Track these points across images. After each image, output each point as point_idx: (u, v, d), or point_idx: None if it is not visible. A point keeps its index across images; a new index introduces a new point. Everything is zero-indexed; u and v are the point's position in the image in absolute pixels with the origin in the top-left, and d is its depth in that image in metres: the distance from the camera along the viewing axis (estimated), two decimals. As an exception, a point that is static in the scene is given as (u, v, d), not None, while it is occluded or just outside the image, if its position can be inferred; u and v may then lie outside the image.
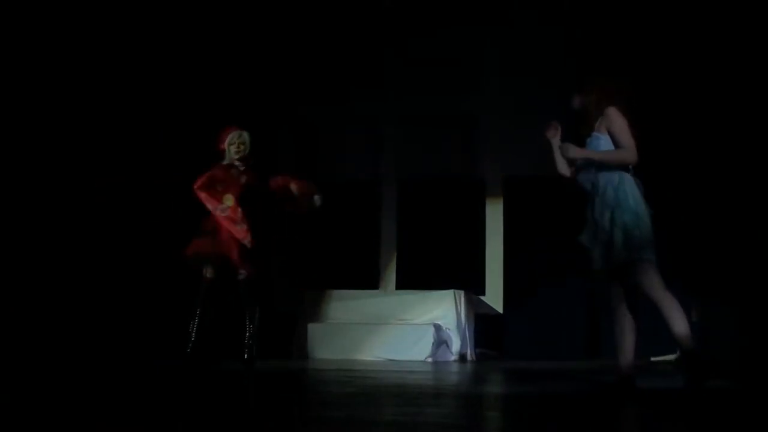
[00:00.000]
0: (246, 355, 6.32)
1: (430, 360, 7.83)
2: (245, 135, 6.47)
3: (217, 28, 8.57)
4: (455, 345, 7.97)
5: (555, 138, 4.75)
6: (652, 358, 7.58)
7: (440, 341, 7.94)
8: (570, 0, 8.69)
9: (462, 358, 7.99)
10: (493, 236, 9.18)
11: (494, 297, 9.05)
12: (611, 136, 4.50)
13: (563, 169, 4.75)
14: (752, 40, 8.03)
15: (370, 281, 9.24)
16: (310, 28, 9.33)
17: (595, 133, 4.56)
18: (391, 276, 9.39)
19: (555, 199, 8.64)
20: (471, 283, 8.83)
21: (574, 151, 4.58)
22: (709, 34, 8.22)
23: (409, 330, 8.04)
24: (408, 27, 9.40)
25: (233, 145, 6.42)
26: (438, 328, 7.98)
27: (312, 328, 8.25)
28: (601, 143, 4.52)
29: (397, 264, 9.43)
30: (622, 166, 4.47)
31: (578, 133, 4.68)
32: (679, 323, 4.29)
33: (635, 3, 8.53)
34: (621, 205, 4.40)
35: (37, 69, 6.79)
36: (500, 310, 8.98)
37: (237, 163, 6.43)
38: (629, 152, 4.46)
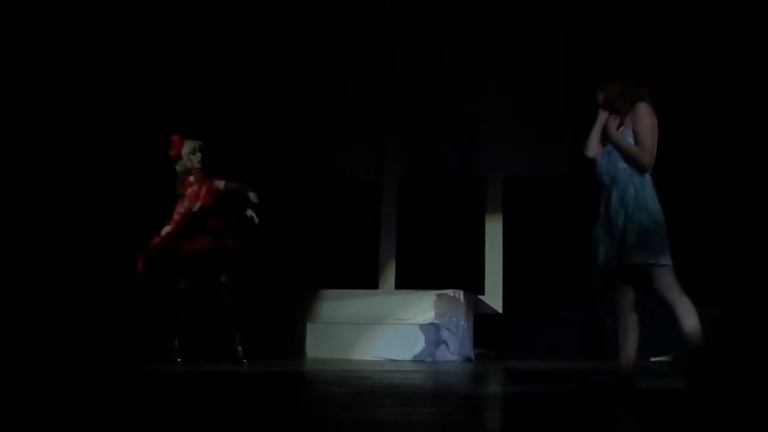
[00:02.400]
0: (243, 358, 6.32)
1: (428, 360, 7.79)
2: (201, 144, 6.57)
3: (222, 28, 8.54)
4: (454, 345, 7.93)
5: (604, 114, 4.54)
6: (652, 359, 7.53)
7: (439, 341, 7.89)
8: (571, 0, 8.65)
9: (461, 358, 7.94)
10: (492, 236, 9.13)
11: (493, 297, 9.00)
12: (634, 134, 4.39)
13: (592, 150, 4.54)
14: (754, 37, 7.99)
15: (369, 281, 9.20)
16: (312, 28, 9.31)
17: (623, 128, 4.45)
18: (390, 276, 9.36)
19: (555, 200, 8.64)
20: (470, 283, 8.78)
21: (614, 128, 4.47)
22: (709, 30, 8.18)
23: (407, 330, 8.00)
24: (410, 27, 9.37)
25: (195, 155, 6.47)
26: (437, 327, 7.93)
27: (310, 327, 8.21)
28: (628, 140, 4.42)
29: (396, 264, 9.39)
30: (635, 165, 4.39)
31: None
32: (691, 321, 4.23)
33: (636, 2, 8.48)
34: (640, 205, 4.31)
35: (37, 70, 6.74)
36: (499, 310, 8.95)
37: (195, 172, 6.45)
38: (645, 155, 4.35)
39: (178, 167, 6.50)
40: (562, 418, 3.65)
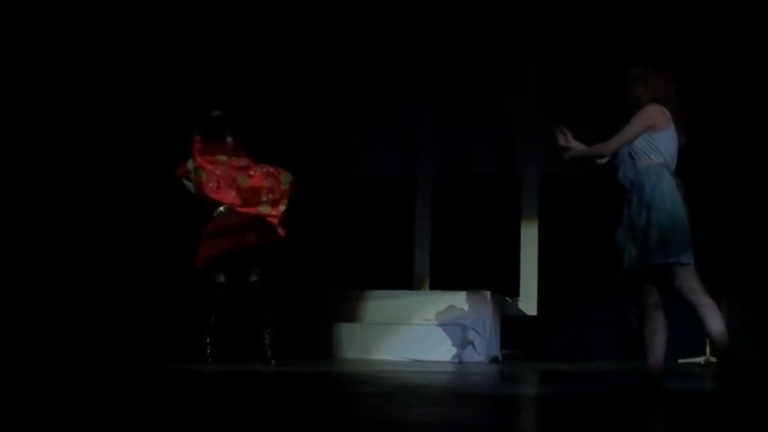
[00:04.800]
0: (271, 357, 6.36)
1: (455, 361, 7.80)
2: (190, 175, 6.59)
3: (251, 26, 8.57)
4: (481, 346, 7.93)
5: (568, 143, 4.69)
6: (680, 360, 7.50)
7: (466, 342, 7.90)
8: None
9: (487, 359, 7.95)
10: (528, 237, 9.07)
11: (529, 298, 8.96)
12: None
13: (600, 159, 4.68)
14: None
15: (404, 281, 9.19)
16: (346, 25, 9.30)
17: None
18: (425, 276, 9.33)
19: (591, 199, 8.55)
20: (505, 284, 8.75)
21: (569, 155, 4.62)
22: (745, 25, 8.07)
23: (434, 330, 8.01)
24: (445, 25, 9.31)
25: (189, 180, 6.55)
26: (464, 328, 7.94)
27: (337, 327, 8.25)
28: (638, 142, 4.44)
29: (431, 264, 9.36)
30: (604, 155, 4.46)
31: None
32: (716, 324, 4.22)
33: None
34: (657, 205, 4.30)
35: (38, 69, 6.81)
36: (534, 311, 8.89)
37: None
38: (609, 143, 4.45)
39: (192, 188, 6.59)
40: (590, 419, 3.66)
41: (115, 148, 7.25)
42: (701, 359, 7.41)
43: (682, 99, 4.52)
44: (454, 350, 7.87)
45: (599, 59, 8.74)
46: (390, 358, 7.89)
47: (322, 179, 9.67)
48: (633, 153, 4.43)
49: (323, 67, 9.53)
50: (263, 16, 8.61)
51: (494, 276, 8.81)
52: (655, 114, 4.40)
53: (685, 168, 4.53)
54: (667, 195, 4.32)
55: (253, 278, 6.39)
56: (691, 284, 4.25)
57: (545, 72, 9.21)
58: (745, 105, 8.07)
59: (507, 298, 8.83)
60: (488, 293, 8.21)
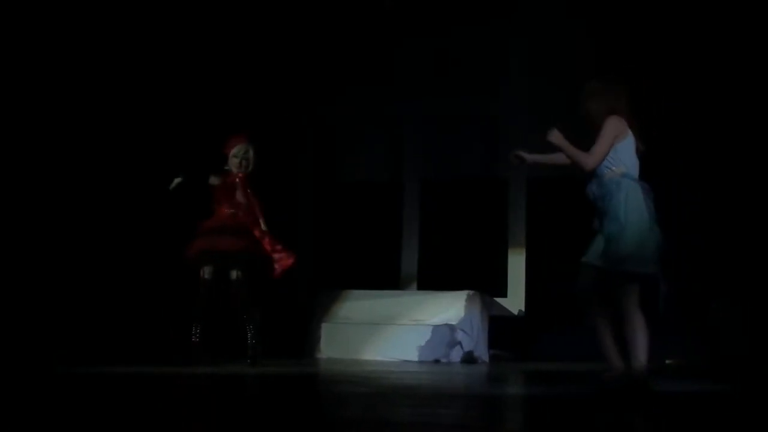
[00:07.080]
0: (249, 358, 6.36)
1: (443, 361, 7.84)
2: (251, 152, 6.59)
3: (237, 28, 8.57)
4: (468, 346, 7.97)
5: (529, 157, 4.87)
6: (667, 361, 7.55)
7: (454, 342, 7.93)
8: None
9: (476, 359, 7.98)
10: (515, 237, 9.10)
11: (516, 299, 8.99)
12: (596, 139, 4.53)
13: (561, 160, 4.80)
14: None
15: (391, 282, 9.21)
16: (332, 27, 9.31)
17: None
18: (412, 277, 9.35)
19: (578, 201, 8.59)
20: (493, 285, 8.78)
21: (554, 136, 4.66)
22: (728, 29, 8.13)
23: (422, 331, 8.02)
24: (432, 26, 9.33)
25: (236, 158, 6.54)
26: (452, 329, 7.97)
27: (325, 327, 8.27)
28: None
29: (419, 265, 9.38)
30: (578, 167, 4.55)
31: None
32: (639, 346, 4.32)
33: (658, 2, 8.45)
34: (609, 214, 4.45)
35: (40, 69, 6.79)
36: (523, 311, 8.93)
37: (238, 177, 6.54)
38: (589, 158, 4.51)
39: (228, 167, 6.60)
40: (578, 420, 3.70)
41: (105, 148, 7.25)
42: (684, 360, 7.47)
43: (644, 109, 4.69)
44: (442, 350, 7.89)
45: (586, 61, 8.79)
46: (378, 358, 7.92)
47: (309, 182, 9.69)
48: (600, 167, 4.52)
49: (310, 69, 9.53)
50: (250, 16, 8.61)
51: (482, 277, 8.83)
52: (618, 125, 4.54)
53: (680, 172, 4.61)
54: (622, 205, 4.42)
55: (234, 276, 6.41)
56: (626, 296, 4.35)
57: (532, 73, 9.23)
58: (742, 106, 8.11)
59: (495, 299, 8.87)
60: (477, 294, 8.25)
